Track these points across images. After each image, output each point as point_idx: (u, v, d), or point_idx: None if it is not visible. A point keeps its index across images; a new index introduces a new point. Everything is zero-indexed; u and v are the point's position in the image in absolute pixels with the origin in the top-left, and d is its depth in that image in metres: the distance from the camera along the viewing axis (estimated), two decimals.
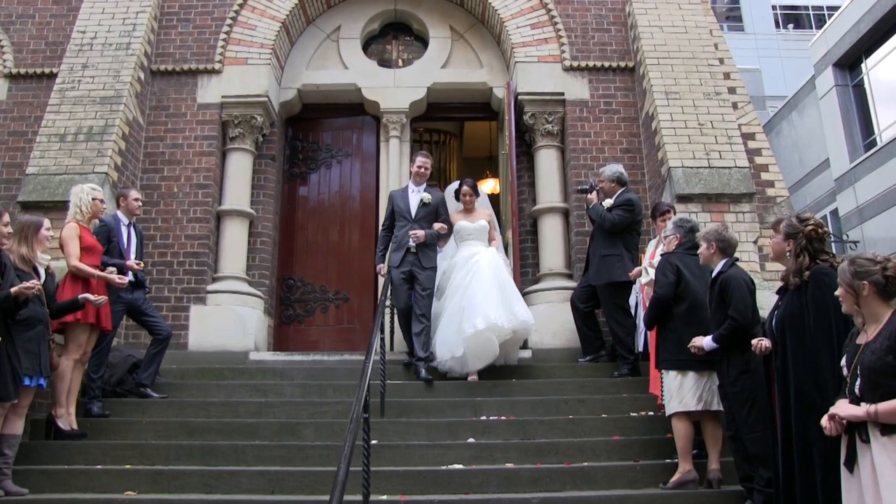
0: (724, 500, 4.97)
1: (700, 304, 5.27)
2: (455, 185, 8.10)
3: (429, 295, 7.27)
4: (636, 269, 6.86)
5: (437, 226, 7.42)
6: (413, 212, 7.45)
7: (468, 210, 7.73)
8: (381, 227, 7.91)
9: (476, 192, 7.81)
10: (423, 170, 7.61)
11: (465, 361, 6.97)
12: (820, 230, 4.27)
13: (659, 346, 5.48)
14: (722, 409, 5.14)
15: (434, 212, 7.51)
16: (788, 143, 19.69)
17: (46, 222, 5.54)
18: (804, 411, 3.96)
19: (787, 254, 4.32)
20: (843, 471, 3.40)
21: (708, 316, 5.16)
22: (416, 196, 7.53)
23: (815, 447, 3.81)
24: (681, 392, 5.20)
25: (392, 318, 7.90)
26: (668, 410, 5.29)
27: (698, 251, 5.27)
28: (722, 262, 5.11)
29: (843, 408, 3.33)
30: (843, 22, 17.20)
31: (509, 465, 5.43)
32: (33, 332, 5.07)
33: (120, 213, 6.85)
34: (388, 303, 7.24)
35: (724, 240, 5.16)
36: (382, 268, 7.58)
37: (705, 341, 4.98)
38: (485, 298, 6.92)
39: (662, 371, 5.44)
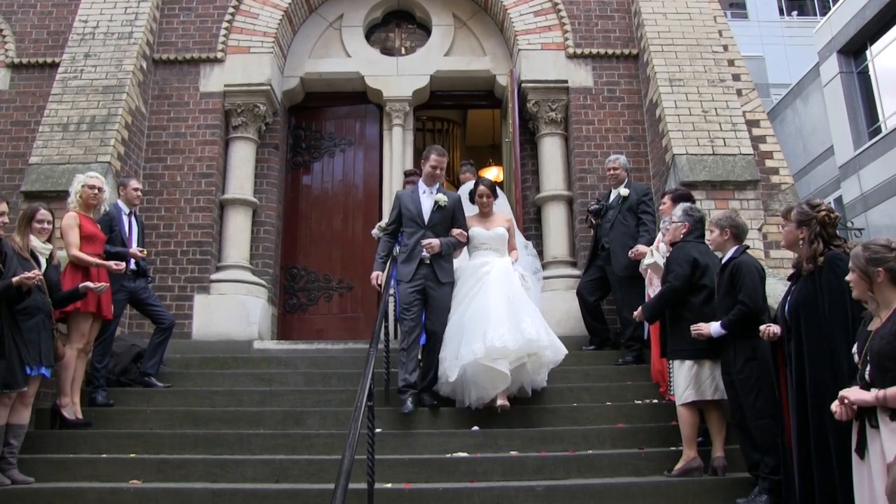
0: (729, 488, 4.95)
1: (712, 294, 5.22)
2: (469, 184, 7.25)
3: (445, 312, 6.22)
4: (642, 249, 6.76)
5: (455, 232, 6.37)
6: (426, 217, 6.34)
7: (484, 214, 6.70)
8: (383, 232, 6.85)
9: (494, 194, 6.78)
10: (438, 170, 6.50)
11: (463, 390, 6.01)
12: (832, 215, 4.24)
13: (672, 336, 5.39)
14: (725, 397, 5.14)
15: (450, 217, 6.42)
16: (792, 131, 19.64)
17: (42, 211, 5.54)
18: (819, 397, 3.93)
19: (801, 241, 4.28)
20: (855, 457, 3.40)
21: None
22: (430, 198, 6.42)
23: (830, 433, 3.80)
24: (698, 381, 5.16)
25: (396, 306, 7.85)
26: (684, 399, 5.20)
27: (709, 238, 5.24)
28: (733, 249, 5.09)
29: (853, 392, 3.32)
30: (848, 8, 17.11)
31: (514, 453, 5.44)
32: (33, 321, 5.06)
33: (120, 203, 6.86)
34: (391, 291, 6.89)
35: (737, 226, 5.16)
36: (379, 276, 6.47)
37: (713, 328, 4.94)
38: (487, 315, 5.91)
39: (675, 360, 5.38)
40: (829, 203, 4.78)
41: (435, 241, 6.18)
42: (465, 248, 6.65)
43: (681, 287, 5.26)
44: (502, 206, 7.20)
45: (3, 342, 4.78)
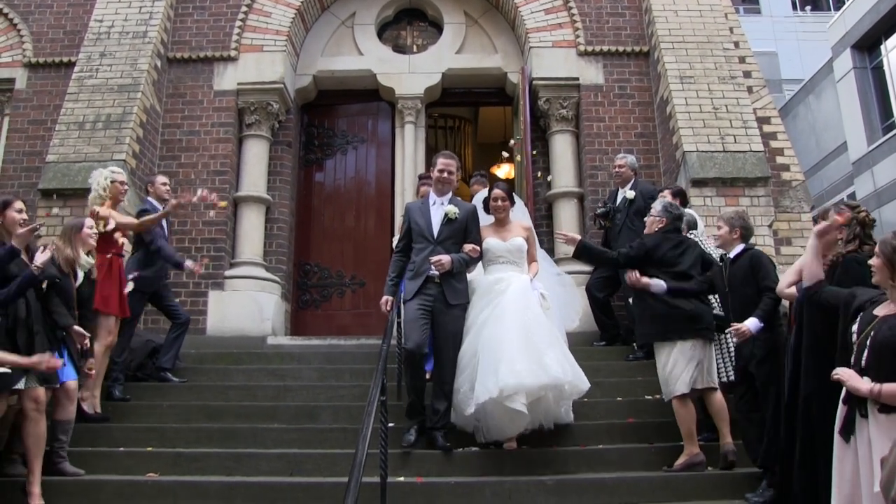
0: (737, 482, 5.00)
1: (677, 279, 5.37)
2: (483, 192, 6.53)
3: (455, 344, 5.52)
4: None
5: (467, 247, 5.65)
6: (435, 231, 5.67)
7: (500, 223, 6.00)
8: (394, 249, 6.14)
9: (511, 200, 6.06)
10: (445, 174, 5.77)
11: (478, 424, 5.48)
12: (870, 217, 4.27)
13: (639, 327, 5.59)
14: (714, 384, 5.26)
15: (462, 230, 5.72)
16: (805, 127, 19.54)
17: (88, 221, 5.63)
18: (809, 391, 3.99)
19: (839, 241, 4.29)
20: (838, 439, 3.43)
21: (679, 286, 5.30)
22: (440, 210, 5.74)
23: (816, 425, 3.87)
24: (675, 373, 5.22)
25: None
26: (672, 393, 5.25)
27: (717, 233, 5.33)
28: (740, 247, 5.16)
29: (850, 377, 3.33)
30: (862, 3, 16.99)
31: (524, 447, 5.48)
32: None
33: (152, 200, 6.99)
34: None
35: (748, 227, 5.27)
36: (389, 301, 5.71)
37: (751, 325, 4.88)
38: (500, 347, 5.26)
39: (656, 355, 5.44)
40: (842, 199, 4.79)
41: (445, 258, 5.50)
42: (479, 262, 6.00)
43: (622, 262, 5.63)
44: (519, 214, 6.43)
45: (33, 337, 4.83)
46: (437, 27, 10.13)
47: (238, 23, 9.29)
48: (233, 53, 9.20)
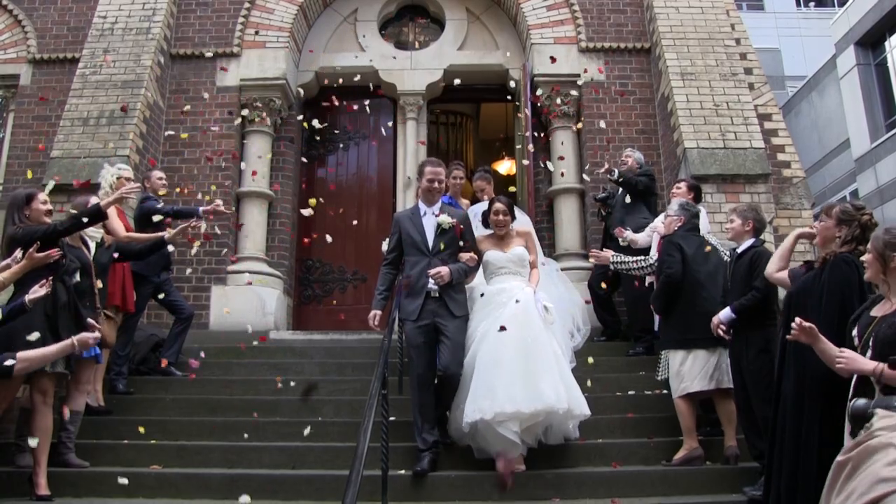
0: (736, 476, 5.03)
1: (699, 285, 5.36)
2: (482, 206, 6.38)
3: (461, 349, 5.31)
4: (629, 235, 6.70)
5: (464, 256, 5.46)
6: (430, 242, 5.44)
7: (500, 235, 5.75)
8: (382, 261, 5.79)
9: (512, 215, 5.78)
10: (436, 184, 5.55)
11: (469, 439, 5.26)
12: (873, 220, 4.27)
13: (663, 328, 5.57)
14: (721, 387, 5.26)
15: (457, 239, 5.52)
16: (808, 124, 19.51)
17: (93, 199, 5.69)
18: (804, 385, 4.02)
19: (837, 238, 4.30)
20: (848, 440, 3.44)
21: (707, 296, 5.29)
22: (432, 220, 5.49)
23: (807, 422, 3.91)
24: (692, 372, 5.27)
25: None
26: (680, 391, 5.31)
27: (729, 226, 5.35)
28: (751, 241, 5.19)
29: (855, 360, 3.34)
30: None
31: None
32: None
33: (151, 195, 7.02)
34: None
35: (760, 220, 5.28)
36: (377, 316, 5.50)
37: (723, 314, 5.01)
38: (499, 367, 5.04)
39: (668, 352, 5.51)
40: (844, 196, 4.82)
41: (444, 270, 5.27)
42: (480, 272, 5.77)
43: (675, 274, 5.37)
44: (518, 219, 6.11)
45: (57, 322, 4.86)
46: (439, 23, 10.17)
47: (241, 19, 9.33)
48: (235, 50, 9.24)
